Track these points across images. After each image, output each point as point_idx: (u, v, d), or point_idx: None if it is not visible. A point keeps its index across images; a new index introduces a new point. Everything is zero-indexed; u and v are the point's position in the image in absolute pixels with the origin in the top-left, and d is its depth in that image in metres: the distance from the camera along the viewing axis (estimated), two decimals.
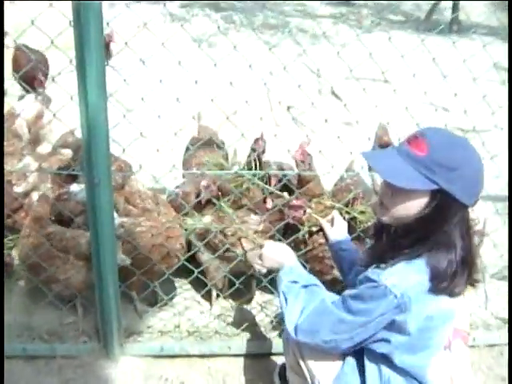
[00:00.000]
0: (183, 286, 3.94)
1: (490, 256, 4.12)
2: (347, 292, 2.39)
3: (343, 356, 2.52)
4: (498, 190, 4.77)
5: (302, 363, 2.65)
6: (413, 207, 2.20)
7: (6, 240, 3.87)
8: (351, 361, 2.50)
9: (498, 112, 3.77)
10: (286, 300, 2.55)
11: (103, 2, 2.37)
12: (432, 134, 2.20)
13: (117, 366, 3.39)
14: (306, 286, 2.56)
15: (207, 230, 3.62)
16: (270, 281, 3.70)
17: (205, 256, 3.70)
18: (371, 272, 2.29)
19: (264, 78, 3.51)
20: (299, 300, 2.50)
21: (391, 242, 2.42)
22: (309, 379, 2.62)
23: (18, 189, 3.92)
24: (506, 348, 3.78)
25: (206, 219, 3.67)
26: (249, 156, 4.12)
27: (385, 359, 2.34)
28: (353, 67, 3.20)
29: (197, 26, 9.02)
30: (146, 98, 2.97)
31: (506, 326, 3.90)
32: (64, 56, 2.70)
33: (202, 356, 3.52)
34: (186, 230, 3.61)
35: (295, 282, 2.59)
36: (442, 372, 2.34)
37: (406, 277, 2.20)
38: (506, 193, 4.45)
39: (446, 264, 2.19)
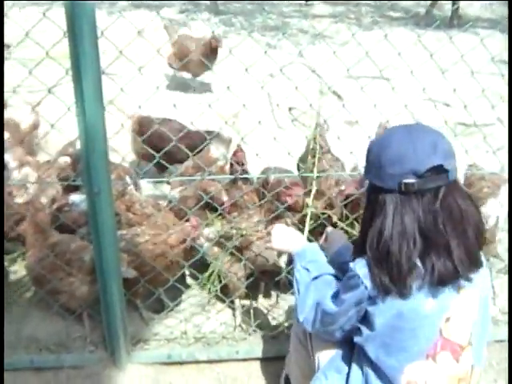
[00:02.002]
0: (188, 292, 3.93)
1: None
2: None
3: (342, 342, 2.54)
4: None
5: (308, 337, 2.73)
6: None
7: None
8: (345, 348, 2.53)
9: (500, 105, 3.74)
10: (298, 290, 2.61)
11: (101, 10, 2.37)
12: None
13: (125, 374, 3.38)
14: (316, 278, 2.58)
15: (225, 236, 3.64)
16: (276, 283, 3.69)
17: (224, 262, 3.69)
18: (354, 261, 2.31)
19: (264, 80, 3.49)
20: (309, 293, 2.53)
21: None
22: (311, 352, 2.71)
23: (19, 200, 3.90)
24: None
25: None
26: (231, 167, 4.17)
27: (366, 354, 2.34)
28: (351, 66, 3.19)
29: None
30: (144, 105, 2.96)
31: None
32: (60, 67, 2.69)
33: (210, 362, 3.51)
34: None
35: (307, 269, 2.63)
36: (417, 381, 2.25)
37: None
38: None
39: (381, 264, 2.17)
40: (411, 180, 2.10)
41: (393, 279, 2.14)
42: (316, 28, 9.35)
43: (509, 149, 3.86)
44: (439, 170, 2.11)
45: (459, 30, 8.84)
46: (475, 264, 2.23)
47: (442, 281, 2.15)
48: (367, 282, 2.19)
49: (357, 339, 2.35)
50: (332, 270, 2.64)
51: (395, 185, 2.13)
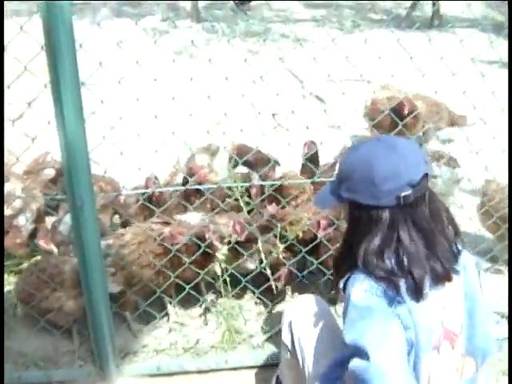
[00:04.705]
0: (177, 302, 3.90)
1: (483, 250, 4.11)
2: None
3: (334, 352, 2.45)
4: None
5: (297, 347, 2.68)
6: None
7: None
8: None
9: (480, 106, 3.74)
10: None
11: (82, 21, 2.36)
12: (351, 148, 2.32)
13: None
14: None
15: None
16: (263, 291, 3.68)
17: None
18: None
19: (247, 86, 3.48)
20: None
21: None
22: (301, 362, 2.65)
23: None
24: (506, 342, 3.74)
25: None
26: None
27: None
28: (333, 70, 3.19)
29: (179, 38, 9.01)
30: (125, 117, 2.95)
31: (503, 319, 3.86)
32: (40, 81, 2.67)
33: (200, 372, 3.47)
34: None
35: None
36: (423, 373, 2.24)
37: None
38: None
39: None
40: (408, 192, 2.09)
41: (410, 290, 2.11)
42: (298, 32, 9.35)
43: (509, 148, 3.88)
44: (425, 175, 2.13)
45: (439, 30, 8.92)
46: (458, 254, 2.27)
47: (443, 279, 2.17)
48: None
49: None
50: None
51: (392, 200, 2.10)
